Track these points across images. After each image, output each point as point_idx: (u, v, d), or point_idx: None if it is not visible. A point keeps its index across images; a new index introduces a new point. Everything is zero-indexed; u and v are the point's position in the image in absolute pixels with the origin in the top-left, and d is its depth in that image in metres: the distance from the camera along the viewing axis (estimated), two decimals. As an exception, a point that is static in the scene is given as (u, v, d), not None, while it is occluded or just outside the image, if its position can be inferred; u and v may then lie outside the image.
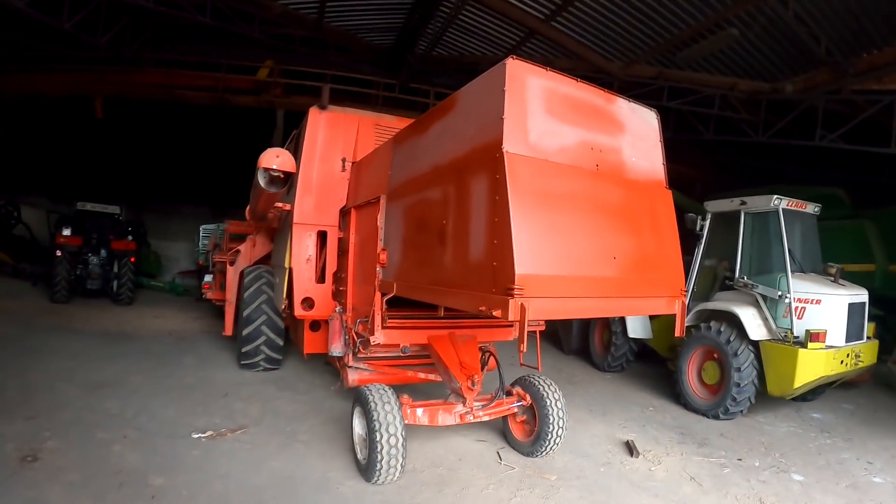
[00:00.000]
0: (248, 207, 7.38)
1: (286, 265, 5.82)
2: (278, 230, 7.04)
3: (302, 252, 5.71)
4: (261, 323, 6.90)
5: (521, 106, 3.07)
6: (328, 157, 5.90)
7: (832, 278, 6.93)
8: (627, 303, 3.54)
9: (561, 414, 4.66)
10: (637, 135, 3.76)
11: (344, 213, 5.72)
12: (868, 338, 7.08)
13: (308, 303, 5.66)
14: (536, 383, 4.80)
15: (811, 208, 7.35)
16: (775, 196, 6.91)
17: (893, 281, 10.15)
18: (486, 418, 4.59)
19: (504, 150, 2.95)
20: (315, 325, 5.99)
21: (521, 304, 2.75)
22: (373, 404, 3.96)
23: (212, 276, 10.96)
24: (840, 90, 9.82)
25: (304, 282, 5.68)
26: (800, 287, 6.59)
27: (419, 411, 4.29)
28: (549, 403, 4.66)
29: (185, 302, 14.77)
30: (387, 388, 4.12)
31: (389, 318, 4.37)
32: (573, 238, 3.09)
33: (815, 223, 7.58)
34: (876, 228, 10.74)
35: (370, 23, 13.23)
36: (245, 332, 6.93)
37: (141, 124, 17.50)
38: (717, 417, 6.55)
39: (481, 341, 4.87)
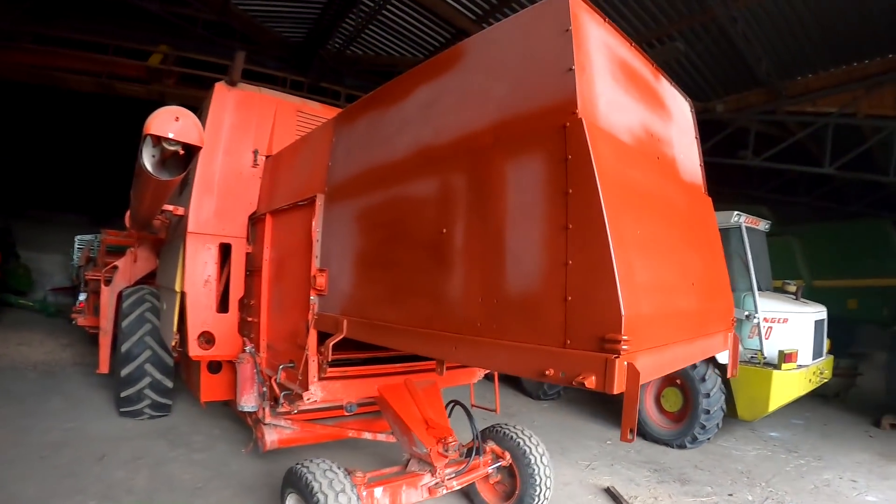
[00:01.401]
0: (127, 212, 5.82)
1: (177, 288, 4.40)
2: (167, 242, 5.52)
3: (198, 271, 4.33)
4: (144, 360, 5.44)
5: (587, 57, 2.02)
6: (236, 147, 4.58)
7: (794, 296, 6.88)
8: (704, 344, 2.57)
9: (548, 472, 3.74)
10: (679, 125, 2.87)
11: (255, 221, 4.47)
12: (827, 353, 7.11)
13: (206, 338, 4.27)
14: (512, 435, 3.82)
15: (763, 225, 7.26)
16: (736, 212, 6.70)
17: (818, 295, 10.74)
18: (458, 487, 3.49)
19: (579, 117, 1.89)
20: (215, 365, 4.61)
21: (631, 366, 1.68)
22: (320, 496, 2.77)
23: (86, 295, 9.13)
24: (774, 111, 10.14)
25: (201, 311, 4.30)
26: (766, 306, 6.42)
27: (378, 492, 3.12)
28: (533, 461, 3.71)
29: (56, 325, 12.70)
30: (335, 467, 2.96)
31: (330, 366, 3.15)
32: (658, 256, 2.05)
33: (765, 240, 7.50)
34: (800, 245, 11.16)
35: (282, 11, 11.95)
36: (125, 371, 5.47)
37: (14, 113, 15.04)
38: (683, 447, 6.15)
39: (443, 387, 3.78)
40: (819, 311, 6.70)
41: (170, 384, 5.68)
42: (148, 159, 3.09)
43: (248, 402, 3.72)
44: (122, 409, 5.67)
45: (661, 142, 2.52)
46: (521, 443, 3.77)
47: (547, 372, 1.84)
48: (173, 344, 4.63)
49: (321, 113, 5.03)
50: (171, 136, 2.85)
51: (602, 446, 6.13)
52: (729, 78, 9.87)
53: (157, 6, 10.80)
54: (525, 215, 2.03)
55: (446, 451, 3.23)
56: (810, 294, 10.60)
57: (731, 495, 4.91)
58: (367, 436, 3.86)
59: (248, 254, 4.48)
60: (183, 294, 4.35)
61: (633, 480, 5.14)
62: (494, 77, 2.27)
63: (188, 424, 5.81)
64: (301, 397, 3.20)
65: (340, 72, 13.28)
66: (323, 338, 3.18)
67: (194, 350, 4.24)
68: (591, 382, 1.70)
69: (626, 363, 1.66)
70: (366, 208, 3.01)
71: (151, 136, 2.86)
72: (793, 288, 7.01)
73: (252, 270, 4.36)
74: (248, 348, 3.91)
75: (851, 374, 8.75)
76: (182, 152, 2.96)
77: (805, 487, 5.22)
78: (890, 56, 9.13)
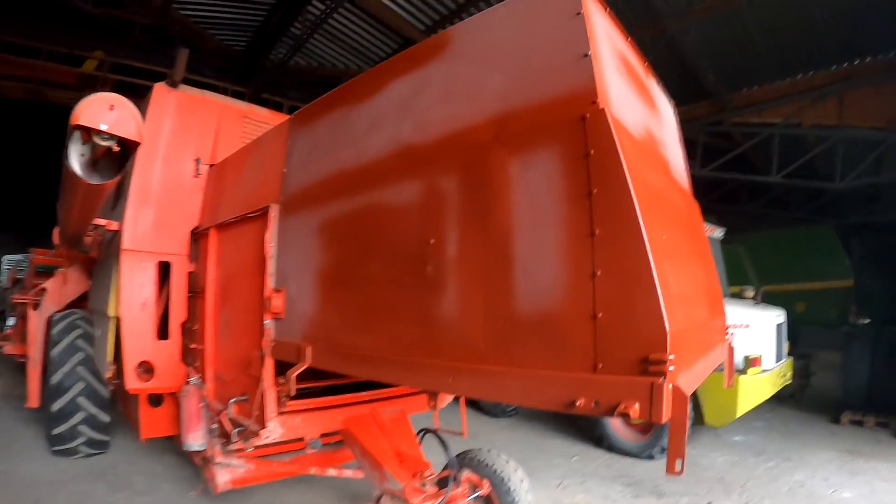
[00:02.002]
0: (56, 228, 5.28)
1: (111, 312, 3.94)
2: (99, 261, 5.01)
3: (134, 293, 3.87)
4: (77, 393, 4.90)
5: (597, 45, 1.77)
6: (176, 155, 4.17)
7: (753, 301, 6.91)
8: (712, 356, 2.36)
9: (529, 498, 3.49)
10: (668, 127, 2.70)
11: (197, 237, 4.07)
12: (787, 355, 7.16)
13: (146, 368, 3.82)
14: (488, 461, 3.54)
15: (717, 233, 7.31)
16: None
17: (767, 300, 11.22)
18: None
19: (601, 107, 1.64)
20: (156, 398, 4.15)
21: (677, 389, 1.44)
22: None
23: (14, 321, 8.39)
24: (721, 122, 10.47)
25: (139, 338, 3.84)
26: (728, 312, 6.34)
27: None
28: (512, 488, 3.43)
29: (-20, 354, 11.53)
30: None
31: (290, 399, 2.79)
32: (677, 264, 1.82)
33: (719, 247, 7.56)
34: (747, 252, 11.56)
35: (225, 17, 11.51)
36: (56, 406, 4.92)
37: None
38: (651, 458, 6.01)
39: (411, 413, 3.50)
40: (779, 315, 6.77)
41: (106, 418, 5.14)
42: (76, 159, 2.61)
43: (194, 440, 3.32)
44: (54, 448, 5.11)
45: (657, 143, 2.33)
46: (499, 469, 3.48)
47: (577, 402, 1.58)
48: (108, 375, 4.14)
49: (269, 119, 4.68)
50: (103, 128, 2.40)
51: (570, 463, 5.95)
52: (677, 90, 10.13)
53: (93, 7, 10.13)
54: (538, 220, 1.76)
55: (423, 485, 2.93)
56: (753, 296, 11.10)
57: (710, 504, 4.83)
58: (332, 472, 3.50)
59: (190, 273, 4.07)
60: (118, 319, 3.89)
61: (608, 497, 4.97)
62: (491, 66, 2.02)
63: (128, 462, 5.28)
64: (257, 434, 2.84)
65: (283, 83, 12.94)
66: (280, 367, 2.83)
67: (132, 382, 3.78)
68: (635, 411, 1.46)
69: (670, 386, 1.43)
70: (331, 219, 2.68)
71: (80, 128, 2.41)
72: (751, 293, 7.08)
73: (195, 292, 3.95)
74: (192, 379, 3.50)
75: (805, 375, 8.95)
76: (117, 149, 2.52)
77: (780, 490, 5.21)
78: (834, 68, 9.55)
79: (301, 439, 3.42)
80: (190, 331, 3.91)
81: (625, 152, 1.58)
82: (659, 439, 5.92)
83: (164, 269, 4.05)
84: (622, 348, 1.52)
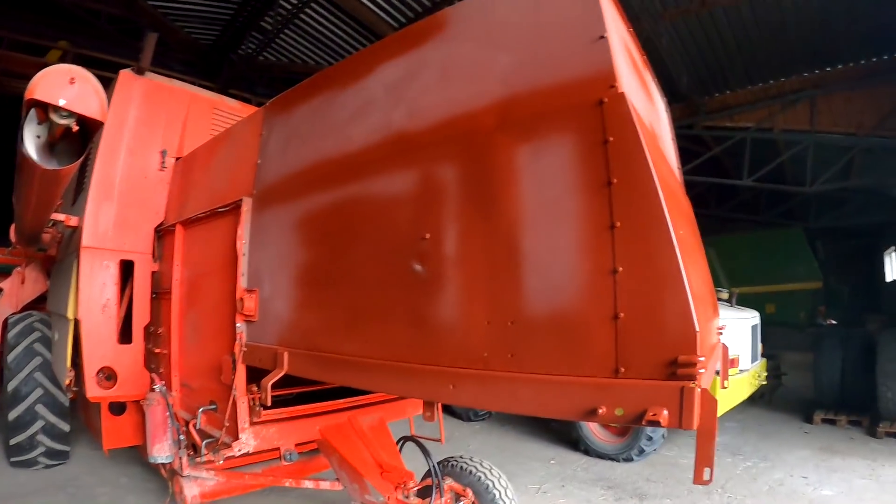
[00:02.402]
0: (13, 224, 4.98)
1: (70, 314, 3.69)
2: (58, 260, 4.73)
3: (95, 294, 3.62)
4: (34, 401, 4.62)
5: (609, 29, 1.65)
6: (141, 146, 3.94)
7: (728, 303, 6.96)
8: (715, 356, 2.28)
9: (513, 507, 3.36)
10: (664, 123, 2.61)
11: (162, 234, 3.85)
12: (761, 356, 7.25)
13: (107, 375, 3.58)
14: (471, 468, 3.42)
15: None
16: None
17: (738, 301, 11.50)
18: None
19: (620, 91, 1.52)
20: (119, 406, 3.91)
21: (706, 393, 1.34)
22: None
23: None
24: (693, 126, 10.59)
25: (100, 342, 3.59)
26: None
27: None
28: (497, 495, 3.32)
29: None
30: None
31: (264, 408, 2.61)
32: (694, 260, 1.72)
33: None
34: (717, 254, 11.71)
35: (194, 9, 11.18)
36: (13, 414, 4.63)
37: None
38: (630, 460, 5.98)
39: (389, 421, 3.36)
40: (753, 317, 6.83)
41: (66, 427, 4.86)
42: (31, 140, 2.34)
43: (160, 451, 3.11)
44: (12, 459, 4.84)
45: (659, 136, 2.24)
46: (483, 476, 3.36)
47: (599, 410, 1.46)
48: (68, 382, 3.88)
49: (240, 111, 4.50)
50: (62, 103, 2.14)
51: (547, 467, 5.88)
52: (651, 93, 10.38)
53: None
54: (549, 213, 1.63)
55: (407, 497, 2.78)
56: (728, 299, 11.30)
57: (692, 505, 4.80)
58: (308, 484, 3.32)
59: (153, 272, 3.84)
60: (77, 322, 3.64)
61: (590, 501, 4.92)
62: (495, 48, 1.88)
63: (91, 473, 5.02)
64: (229, 446, 2.65)
65: (251, 79, 12.61)
66: (253, 374, 2.66)
67: (93, 389, 3.53)
68: (664, 419, 1.35)
69: (699, 390, 1.33)
70: (311, 213, 2.51)
71: (36, 104, 2.15)
72: (725, 295, 7.10)
73: (159, 292, 3.73)
74: (157, 386, 3.28)
75: (777, 375, 9.09)
76: (76, 129, 2.26)
77: (761, 489, 5.22)
78: (805, 75, 9.75)
79: (275, 449, 3.26)
80: (154, 334, 3.69)
81: (649, 140, 1.48)
82: (636, 441, 5.88)
83: (126, 269, 3.82)
84: (647, 351, 1.40)
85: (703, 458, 1.36)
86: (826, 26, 8.49)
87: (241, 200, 2.85)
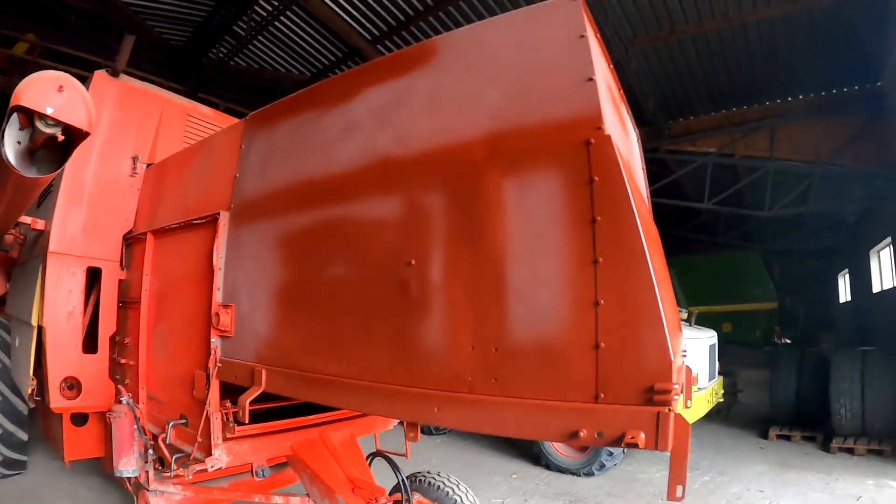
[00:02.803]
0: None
1: (33, 321, 3.58)
2: (20, 263, 4.58)
3: (61, 301, 3.52)
4: (-10, 409, 4.43)
5: (596, 69, 1.74)
6: (113, 150, 3.85)
7: (687, 323, 7.10)
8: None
9: (480, 524, 3.40)
10: (636, 153, 2.70)
11: (131, 242, 3.78)
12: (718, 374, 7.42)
13: (70, 385, 3.49)
14: (439, 484, 3.45)
15: None
16: None
17: (698, 322, 11.89)
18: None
19: (606, 133, 1.61)
20: (81, 416, 3.81)
21: (679, 417, 1.48)
22: None
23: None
24: (657, 149, 10.96)
25: (65, 351, 3.49)
26: None
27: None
28: (465, 512, 3.35)
29: None
30: None
31: (238, 424, 2.60)
32: (667, 291, 1.82)
33: None
34: (676, 274, 12.13)
35: (166, 10, 10.99)
36: None
37: None
38: (591, 475, 6.08)
39: (359, 436, 3.37)
40: (711, 337, 7.03)
41: (24, 436, 4.67)
42: (10, 146, 2.24)
43: (127, 465, 3.04)
44: (-32, 469, 4.61)
45: (634, 169, 2.34)
46: (450, 492, 3.39)
47: (581, 433, 1.56)
48: (30, 392, 3.76)
49: (213, 119, 4.45)
50: (49, 112, 2.09)
51: (510, 481, 5.92)
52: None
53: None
54: (536, 246, 1.71)
55: (378, 512, 2.80)
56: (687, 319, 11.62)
57: (654, 520, 4.87)
58: (278, 500, 3.29)
59: (121, 281, 3.75)
60: (41, 329, 3.53)
61: (552, 517, 4.93)
62: (485, 81, 1.94)
63: (49, 485, 4.85)
64: (201, 461, 2.62)
65: (221, 83, 12.45)
66: (225, 389, 2.64)
67: (56, 400, 3.43)
68: (642, 441, 1.46)
69: (673, 414, 1.45)
70: (291, 231, 2.51)
71: (21, 110, 2.09)
72: (684, 315, 7.26)
73: (126, 301, 3.65)
74: (124, 399, 3.21)
75: (733, 392, 9.35)
76: (61, 138, 2.21)
77: (719, 502, 5.35)
78: (767, 104, 10.20)
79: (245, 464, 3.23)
80: (120, 344, 3.60)
81: (631, 180, 1.58)
82: (597, 456, 5.98)
83: (92, 276, 3.72)
84: (626, 378, 1.51)
85: (676, 477, 1.48)
86: (788, 60, 8.93)
87: (218, 214, 2.82)
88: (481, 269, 1.80)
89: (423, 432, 7.56)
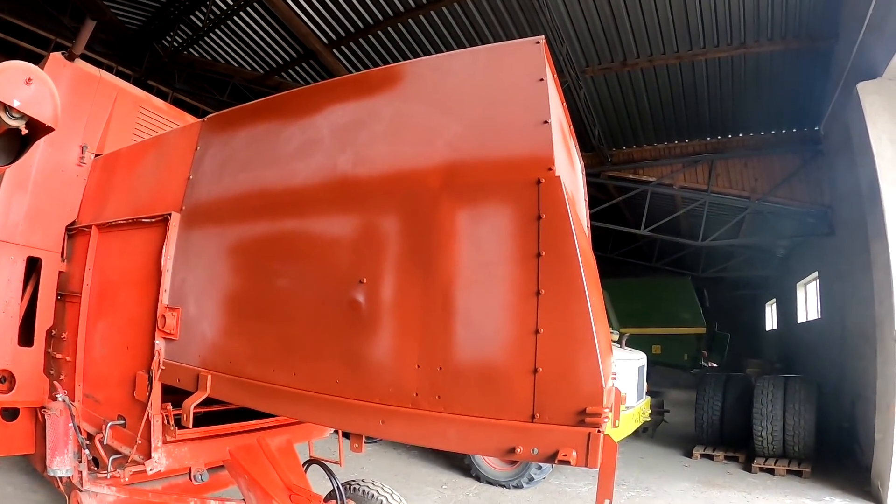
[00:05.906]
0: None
1: (-36, 311, 3.43)
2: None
3: (-1, 291, 3.43)
4: None
5: (551, 112, 1.87)
6: (62, 137, 3.70)
7: (618, 344, 7.38)
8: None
9: (413, 533, 3.48)
10: (580, 184, 2.87)
11: (74, 234, 3.68)
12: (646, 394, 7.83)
13: (3, 378, 3.36)
14: (374, 493, 3.50)
15: None
16: None
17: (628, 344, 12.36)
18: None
19: (556, 175, 1.75)
20: (11, 411, 3.67)
21: (608, 438, 1.65)
22: None
23: None
24: (599, 175, 11.38)
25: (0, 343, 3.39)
26: None
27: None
28: (397, 521, 3.43)
29: None
30: None
31: (179, 428, 2.60)
32: (601, 320, 1.97)
33: None
34: (608, 296, 12.59)
35: (126, -11, 10.55)
36: None
37: None
38: (519, 487, 6.22)
39: (296, 443, 3.40)
40: (641, 359, 7.34)
41: None
42: None
43: (61, 465, 2.96)
44: None
45: (577, 202, 2.51)
46: (384, 500, 3.45)
47: (518, 449, 1.68)
48: None
49: (167, 114, 4.37)
50: (16, 104, 2.06)
51: (440, 491, 6.01)
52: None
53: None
54: (484, 275, 1.83)
55: (313, 519, 2.86)
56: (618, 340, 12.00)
57: (583, 534, 4.95)
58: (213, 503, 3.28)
59: (61, 273, 3.64)
60: None
61: (481, 527, 5.02)
62: (447, 112, 2.04)
63: (-25, 482, 4.56)
64: (139, 463, 2.61)
65: (172, 72, 12.04)
66: (166, 391, 2.64)
67: None
68: (573, 458, 1.60)
69: (602, 435, 1.60)
70: (245, 240, 2.53)
71: None
72: (616, 336, 7.52)
73: (65, 294, 3.54)
74: (61, 395, 3.13)
75: (660, 412, 9.70)
76: (25, 132, 2.18)
77: (649, 519, 5.50)
78: (708, 139, 10.78)
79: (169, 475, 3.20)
80: (57, 339, 3.50)
81: (576, 219, 1.73)
82: (526, 470, 6.11)
83: (30, 266, 3.59)
84: (561, 401, 1.65)
85: (604, 492, 1.65)
86: (732, 99, 9.49)
87: (169, 215, 2.81)
88: (431, 292, 1.90)
89: (352, 439, 7.60)
